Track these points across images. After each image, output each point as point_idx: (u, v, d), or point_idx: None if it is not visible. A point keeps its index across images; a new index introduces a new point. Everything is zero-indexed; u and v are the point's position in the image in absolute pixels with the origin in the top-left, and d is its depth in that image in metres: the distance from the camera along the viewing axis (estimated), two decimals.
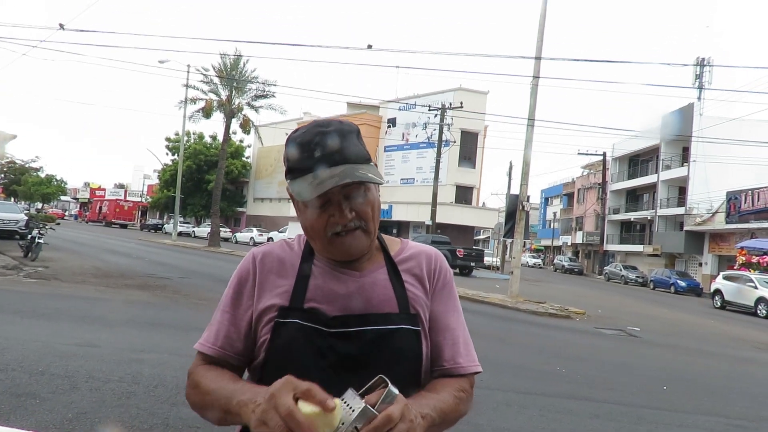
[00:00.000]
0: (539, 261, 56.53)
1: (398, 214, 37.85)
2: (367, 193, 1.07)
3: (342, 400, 0.86)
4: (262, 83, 31.34)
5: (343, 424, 0.83)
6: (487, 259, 35.88)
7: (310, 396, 0.82)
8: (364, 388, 0.89)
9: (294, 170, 1.06)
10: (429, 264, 1.19)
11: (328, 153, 1.03)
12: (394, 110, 41.58)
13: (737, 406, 6.07)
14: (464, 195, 39.95)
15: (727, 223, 31.75)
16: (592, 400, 5.59)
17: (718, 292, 22.35)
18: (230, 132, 33.55)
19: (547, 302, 14.87)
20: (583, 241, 51.76)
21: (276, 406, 0.82)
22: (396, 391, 0.87)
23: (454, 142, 36.18)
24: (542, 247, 66.29)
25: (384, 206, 38.88)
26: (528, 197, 15.85)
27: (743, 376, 8.17)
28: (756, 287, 20.30)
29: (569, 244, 56.50)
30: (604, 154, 45.93)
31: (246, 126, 32.73)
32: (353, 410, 0.83)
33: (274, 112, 32.46)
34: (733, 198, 31.43)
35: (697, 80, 37.99)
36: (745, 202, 30.57)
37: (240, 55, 30.87)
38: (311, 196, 1.01)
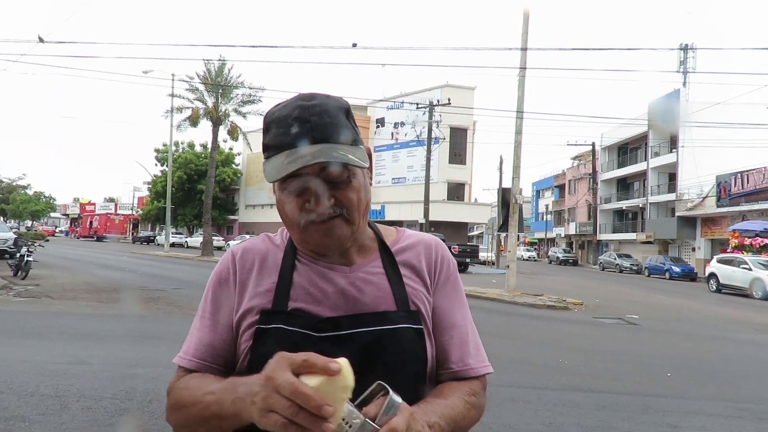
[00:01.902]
0: (534, 254, 56.61)
1: (391, 214, 37.75)
2: (352, 178, 0.93)
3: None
4: (248, 88, 31.18)
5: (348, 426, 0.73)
6: (482, 255, 35.84)
7: (310, 366, 0.72)
8: (361, 398, 0.78)
9: (268, 148, 0.93)
10: (429, 254, 1.06)
11: (305, 129, 0.90)
12: (382, 110, 41.50)
13: (743, 389, 6.02)
14: (456, 191, 39.92)
15: (718, 206, 31.89)
16: (596, 392, 5.51)
17: (713, 275, 22.41)
18: (219, 140, 33.34)
19: (544, 294, 14.83)
20: (576, 231, 51.92)
21: (277, 387, 0.71)
22: (399, 399, 0.76)
23: (444, 139, 36.17)
24: (536, 240, 66.41)
25: (376, 206, 39.28)
26: (520, 190, 15.82)
27: (746, 358, 8.14)
28: (750, 269, 20.35)
29: (563, 235, 56.65)
30: (593, 144, 46.06)
31: (234, 133, 32.53)
32: (350, 425, 0.72)
33: (262, 117, 32.24)
34: (723, 181, 31.60)
35: (682, 66, 38.19)
36: (735, 185, 30.75)
37: (224, 61, 30.69)
38: (278, 176, 0.89)
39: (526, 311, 12.32)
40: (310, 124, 0.90)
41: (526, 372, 6.15)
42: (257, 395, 0.74)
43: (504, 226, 16.28)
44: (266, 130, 0.95)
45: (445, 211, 36.54)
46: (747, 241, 25.82)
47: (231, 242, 41.56)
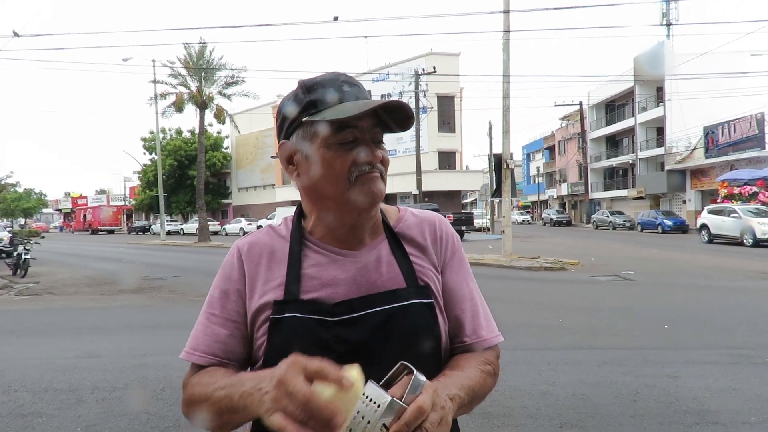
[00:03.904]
0: (528, 217, 56.97)
1: None
2: (384, 144, 1.01)
3: (363, 394, 0.78)
4: (231, 70, 30.77)
5: (369, 423, 0.75)
6: (477, 221, 36.05)
7: (324, 375, 0.73)
8: (386, 378, 0.80)
9: (320, 102, 0.97)
10: (433, 232, 1.09)
11: (357, 91, 0.99)
12: (367, 82, 41.09)
13: (738, 335, 6.19)
14: (447, 160, 39.93)
15: (706, 158, 32.06)
16: (597, 348, 5.66)
17: (704, 226, 22.68)
18: (206, 124, 33.03)
19: (540, 257, 15.01)
20: (568, 192, 52.17)
21: (290, 393, 0.73)
22: (423, 378, 0.79)
23: (432, 108, 35.96)
24: (529, 203, 66.72)
25: None
26: (511, 154, 15.84)
27: (739, 305, 8.33)
28: (740, 217, 20.63)
29: (555, 197, 56.93)
30: (581, 103, 45.93)
31: (220, 116, 32.22)
32: (378, 405, 0.75)
33: (247, 98, 31.97)
34: (710, 132, 31.70)
35: (665, 18, 37.90)
36: (722, 135, 30.87)
37: (204, 43, 30.21)
38: (354, 112, 0.92)
39: (524, 274, 12.49)
40: (359, 88, 1.00)
41: (527, 334, 6.29)
42: (266, 394, 0.76)
43: (497, 192, 16.35)
44: (308, 90, 0.99)
45: (437, 181, 36.61)
46: (736, 190, 26.07)
47: (226, 226, 41.54)
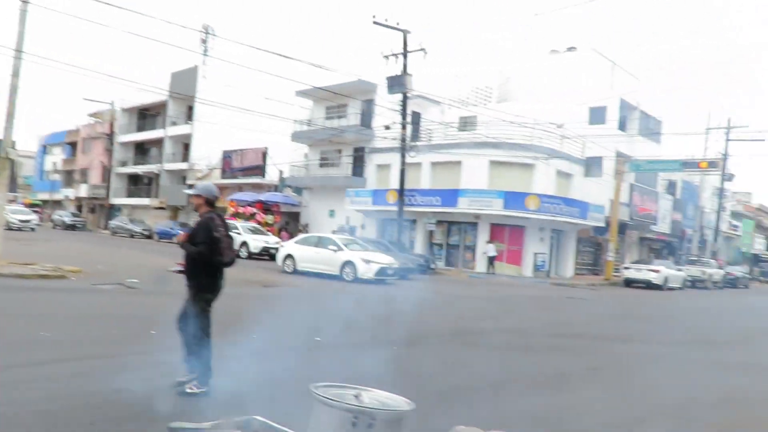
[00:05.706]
0: (35, 217, 49.83)
1: None
2: None
3: None
4: None
5: None
6: None
7: None
8: None
9: None
10: None
11: None
12: None
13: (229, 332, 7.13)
14: None
15: (222, 178, 36.02)
16: (76, 359, 5.52)
17: None
18: None
19: (38, 263, 13.40)
20: (88, 194, 48.70)
21: None
22: None
23: None
24: (40, 202, 58.66)
25: None
26: (13, 143, 13.70)
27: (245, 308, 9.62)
28: (240, 233, 24.06)
29: (73, 198, 52.12)
30: (113, 104, 44.01)
31: None
32: None
33: None
34: (227, 156, 35.88)
35: (204, 45, 40.84)
36: (235, 161, 35.43)
37: None
38: None
39: (14, 283, 10.85)
40: None
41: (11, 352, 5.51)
42: None
43: None
44: None
45: None
46: (241, 210, 30.28)
47: None
